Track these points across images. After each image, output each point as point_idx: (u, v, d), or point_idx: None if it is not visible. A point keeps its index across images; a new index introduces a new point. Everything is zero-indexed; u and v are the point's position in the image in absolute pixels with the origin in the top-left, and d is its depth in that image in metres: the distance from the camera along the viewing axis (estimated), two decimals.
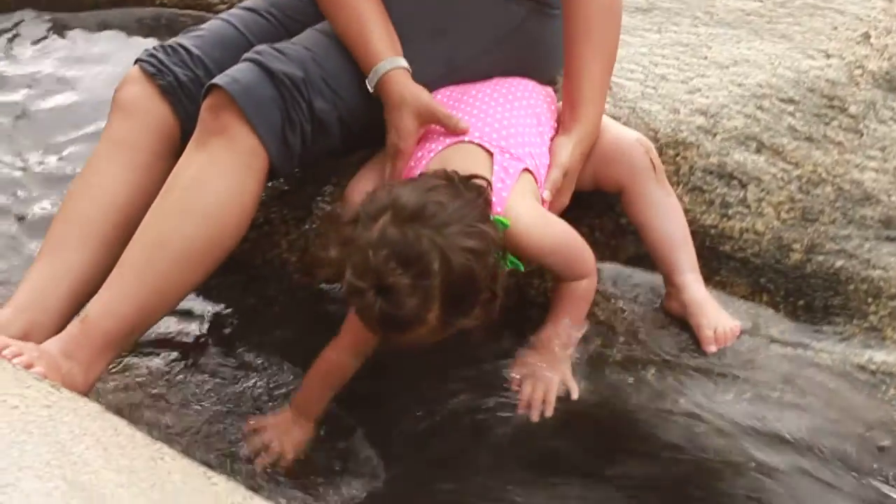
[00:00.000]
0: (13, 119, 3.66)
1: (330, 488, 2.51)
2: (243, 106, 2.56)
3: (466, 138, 2.60)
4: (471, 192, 2.41)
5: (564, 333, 2.59)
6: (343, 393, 2.63)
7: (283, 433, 2.58)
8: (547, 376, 2.55)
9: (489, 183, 2.47)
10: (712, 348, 2.63)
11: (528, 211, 2.53)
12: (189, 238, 2.56)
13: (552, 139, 2.69)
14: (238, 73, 2.61)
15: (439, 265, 2.30)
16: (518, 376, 2.57)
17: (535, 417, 2.53)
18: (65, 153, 3.50)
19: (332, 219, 2.51)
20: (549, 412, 2.52)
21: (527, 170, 2.59)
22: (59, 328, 2.58)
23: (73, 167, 3.36)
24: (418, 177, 2.52)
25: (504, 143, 2.59)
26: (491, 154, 2.57)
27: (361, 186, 2.65)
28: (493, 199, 2.47)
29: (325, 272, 2.51)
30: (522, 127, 2.64)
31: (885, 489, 2.47)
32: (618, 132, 2.79)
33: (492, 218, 2.42)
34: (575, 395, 2.53)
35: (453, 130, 2.61)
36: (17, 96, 3.75)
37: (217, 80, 2.60)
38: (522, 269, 2.52)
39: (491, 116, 2.63)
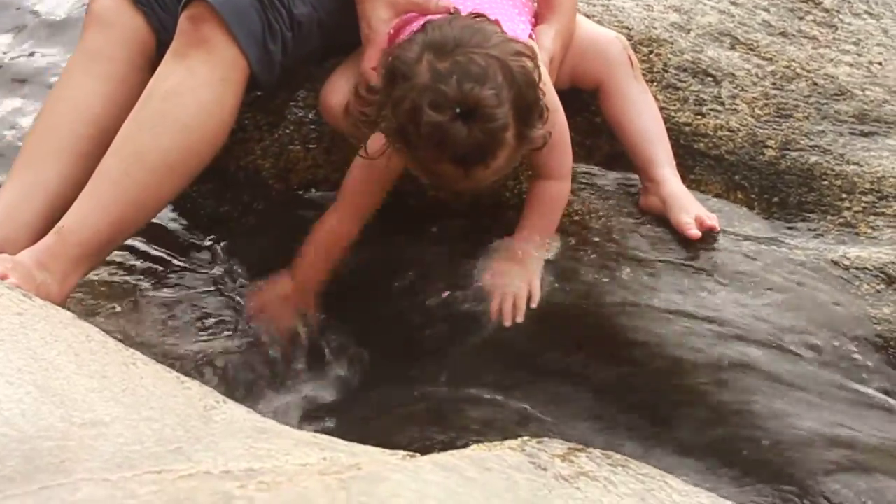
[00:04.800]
0: None
1: (302, 392, 2.52)
2: (224, 16, 2.53)
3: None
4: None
5: (535, 239, 2.59)
6: (321, 301, 2.64)
7: (283, 307, 2.58)
8: (516, 283, 2.55)
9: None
10: (695, 231, 2.62)
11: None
12: (167, 150, 2.55)
13: (530, 33, 2.67)
14: None
15: (503, 79, 2.30)
16: (488, 284, 2.57)
17: (507, 324, 2.54)
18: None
19: (359, 97, 2.46)
20: (520, 318, 2.53)
21: (530, 37, 2.58)
22: (35, 241, 2.57)
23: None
24: (426, 23, 2.46)
25: (499, 18, 2.57)
26: (496, 23, 2.54)
27: (336, 87, 2.64)
28: None
29: (382, 148, 2.44)
30: (505, 11, 2.62)
31: (859, 385, 2.49)
32: (596, 29, 2.79)
33: None
34: (535, 304, 2.54)
35: (435, 10, 2.55)
36: None
37: None
38: None
39: (472, 1, 2.60)
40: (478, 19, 2.43)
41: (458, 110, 2.27)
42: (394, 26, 2.58)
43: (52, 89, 2.85)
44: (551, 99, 2.51)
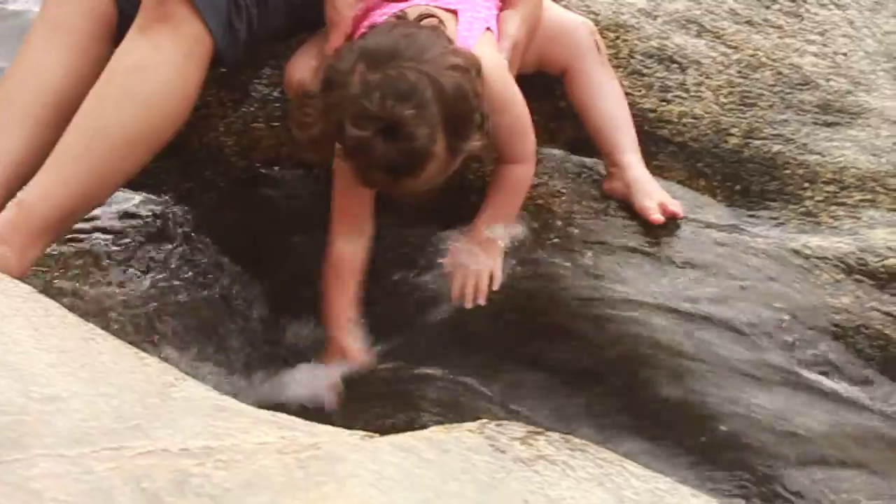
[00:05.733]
0: None
1: (258, 374, 2.52)
2: None
3: (422, 1, 2.55)
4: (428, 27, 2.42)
5: (498, 222, 2.59)
6: (282, 279, 2.64)
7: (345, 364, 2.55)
8: (477, 266, 2.55)
9: (440, 21, 2.45)
10: (658, 216, 2.64)
11: (492, 56, 2.53)
12: (129, 125, 2.53)
13: (497, 17, 2.67)
14: None
15: (432, 91, 2.31)
16: (450, 267, 2.58)
17: (468, 306, 2.55)
18: None
19: (299, 98, 2.47)
20: (482, 301, 2.54)
21: (488, 29, 2.57)
22: None
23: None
24: (370, 28, 2.49)
25: (462, 6, 2.56)
26: (453, 12, 2.54)
27: (301, 64, 2.63)
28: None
29: (311, 153, 2.48)
30: None
31: (817, 374, 2.50)
32: (564, 14, 2.79)
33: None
34: (496, 286, 2.55)
35: None
36: None
37: None
38: None
39: None
40: (425, 23, 2.43)
41: (379, 127, 2.29)
42: (359, 10, 2.58)
43: (14, 59, 2.81)
44: (507, 89, 2.52)
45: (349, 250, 2.57)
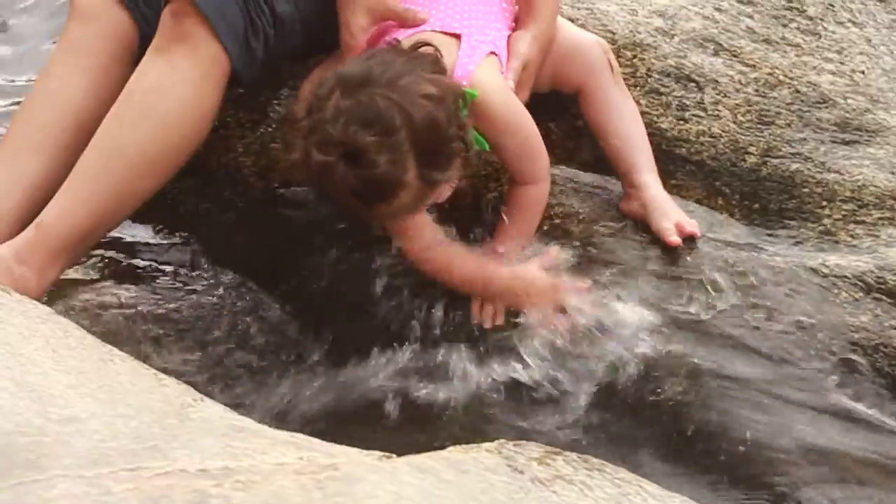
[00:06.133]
0: None
1: (276, 395, 2.52)
2: (206, 12, 2.53)
3: (427, 28, 2.58)
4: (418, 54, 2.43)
5: (514, 243, 2.59)
6: (301, 299, 2.64)
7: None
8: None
9: (436, 49, 2.46)
10: (675, 238, 2.63)
11: (493, 81, 2.54)
12: (147, 144, 2.55)
13: (509, 37, 2.68)
14: None
15: (401, 119, 2.31)
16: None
17: (487, 326, 2.55)
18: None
19: (288, 121, 2.51)
20: (500, 321, 2.54)
21: (493, 53, 2.58)
22: (14, 235, 2.57)
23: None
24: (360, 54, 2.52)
25: (467, 31, 2.58)
26: (457, 37, 2.55)
27: (317, 78, 2.64)
28: (459, 72, 2.48)
29: (295, 175, 2.50)
30: (484, 17, 2.62)
31: (835, 393, 2.50)
32: (578, 32, 2.79)
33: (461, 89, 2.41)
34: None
35: (412, 23, 2.58)
36: None
37: None
38: (487, 147, 2.52)
39: (451, 8, 2.61)
40: (422, 51, 2.44)
41: (341, 152, 2.30)
42: (372, 34, 2.59)
43: (35, 82, 2.83)
44: (510, 111, 2.53)
45: (437, 252, 2.56)
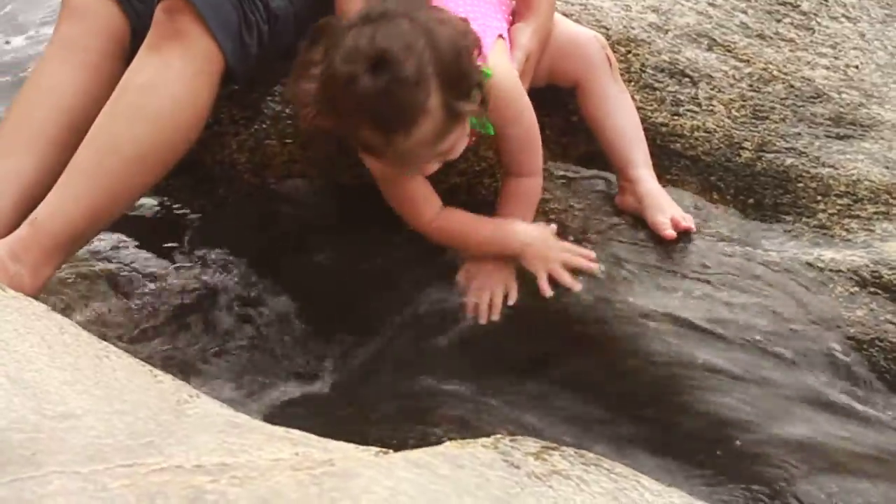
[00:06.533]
0: None
1: (273, 390, 2.52)
2: (200, 8, 2.53)
3: None
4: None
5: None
6: (297, 295, 2.64)
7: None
8: (492, 282, 2.55)
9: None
10: (670, 232, 2.63)
11: (505, 65, 2.53)
12: (141, 142, 2.54)
13: (508, 30, 2.68)
14: None
15: (425, 41, 2.29)
16: (464, 282, 2.57)
17: (482, 322, 2.54)
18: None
19: (301, 63, 2.44)
20: (496, 317, 2.54)
21: (500, 36, 2.58)
22: (8, 232, 2.56)
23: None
24: None
25: (472, 17, 2.57)
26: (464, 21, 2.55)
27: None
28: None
29: (304, 121, 2.45)
30: (484, 9, 2.62)
31: (831, 387, 2.50)
32: (575, 28, 2.80)
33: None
34: (512, 301, 2.55)
35: None
36: None
37: None
38: (492, 132, 2.52)
39: (452, 0, 2.60)
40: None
41: (367, 62, 2.26)
42: None
43: (27, 79, 2.83)
44: (520, 99, 2.52)
45: (445, 221, 2.56)
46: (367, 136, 2.34)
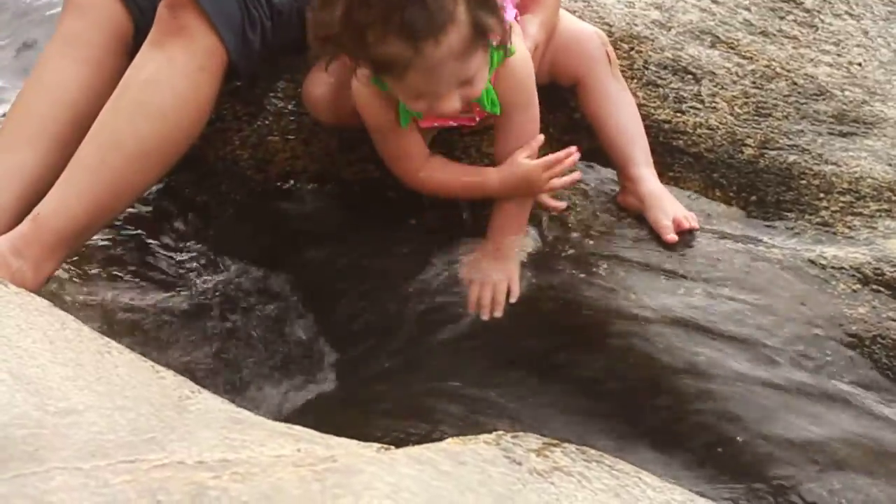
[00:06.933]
0: None
1: (277, 385, 2.52)
2: (203, 4, 2.53)
3: None
4: None
5: (510, 232, 2.59)
6: (298, 291, 2.64)
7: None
8: (494, 278, 2.55)
9: None
10: (671, 236, 2.64)
11: (525, 50, 2.53)
12: (144, 138, 2.54)
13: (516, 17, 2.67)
14: None
15: None
16: (467, 277, 2.57)
17: (485, 317, 2.54)
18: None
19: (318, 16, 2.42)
20: (499, 313, 2.54)
21: (515, 18, 2.58)
22: (11, 228, 2.56)
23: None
24: None
25: None
26: None
27: (319, 78, 2.63)
28: None
29: (328, 49, 2.42)
30: None
31: (834, 384, 2.50)
32: (577, 23, 2.79)
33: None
34: (514, 298, 2.55)
35: None
36: None
37: None
38: (499, 112, 2.51)
39: None
40: None
41: None
42: None
43: (30, 74, 2.83)
44: (532, 82, 2.52)
45: (432, 171, 2.57)
46: (393, 50, 2.29)
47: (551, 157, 2.55)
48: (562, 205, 2.62)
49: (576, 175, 2.59)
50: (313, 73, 2.69)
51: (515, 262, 2.58)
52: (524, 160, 2.54)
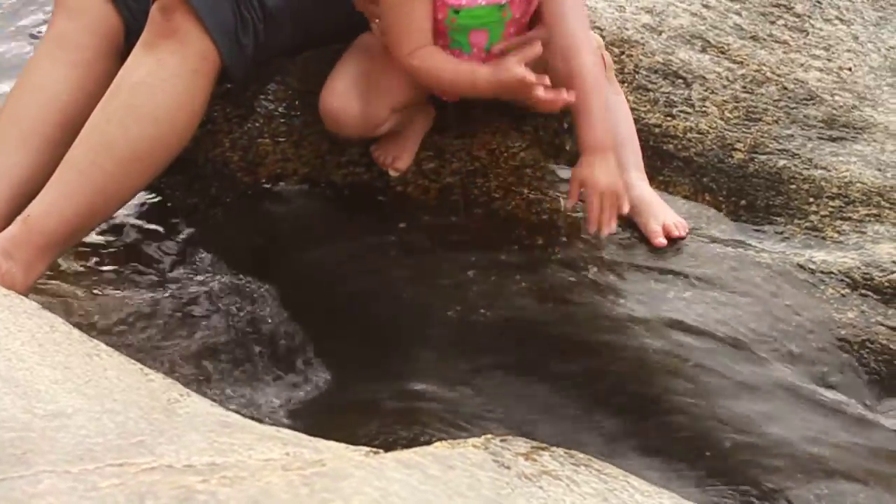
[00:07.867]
0: None
1: (266, 389, 2.52)
2: (196, 6, 2.52)
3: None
4: None
5: (600, 127, 2.56)
6: (288, 294, 2.64)
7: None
8: (614, 182, 2.55)
9: None
10: (661, 240, 2.64)
11: None
12: (135, 141, 2.54)
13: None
14: None
15: None
16: (582, 178, 2.55)
17: (605, 233, 2.56)
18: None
19: None
20: (614, 228, 2.56)
21: None
22: (0, 230, 2.56)
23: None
24: None
25: None
26: None
27: (336, 90, 2.62)
28: None
29: None
30: None
31: (822, 388, 2.50)
32: None
33: None
34: (626, 210, 2.56)
35: None
36: None
37: None
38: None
39: None
40: None
41: None
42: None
43: (20, 76, 2.83)
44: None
45: (423, 57, 2.56)
46: None
47: (534, 77, 2.52)
48: (558, 98, 2.54)
49: (566, 96, 2.53)
50: (329, 85, 2.67)
51: (615, 161, 2.57)
52: (514, 66, 2.53)
